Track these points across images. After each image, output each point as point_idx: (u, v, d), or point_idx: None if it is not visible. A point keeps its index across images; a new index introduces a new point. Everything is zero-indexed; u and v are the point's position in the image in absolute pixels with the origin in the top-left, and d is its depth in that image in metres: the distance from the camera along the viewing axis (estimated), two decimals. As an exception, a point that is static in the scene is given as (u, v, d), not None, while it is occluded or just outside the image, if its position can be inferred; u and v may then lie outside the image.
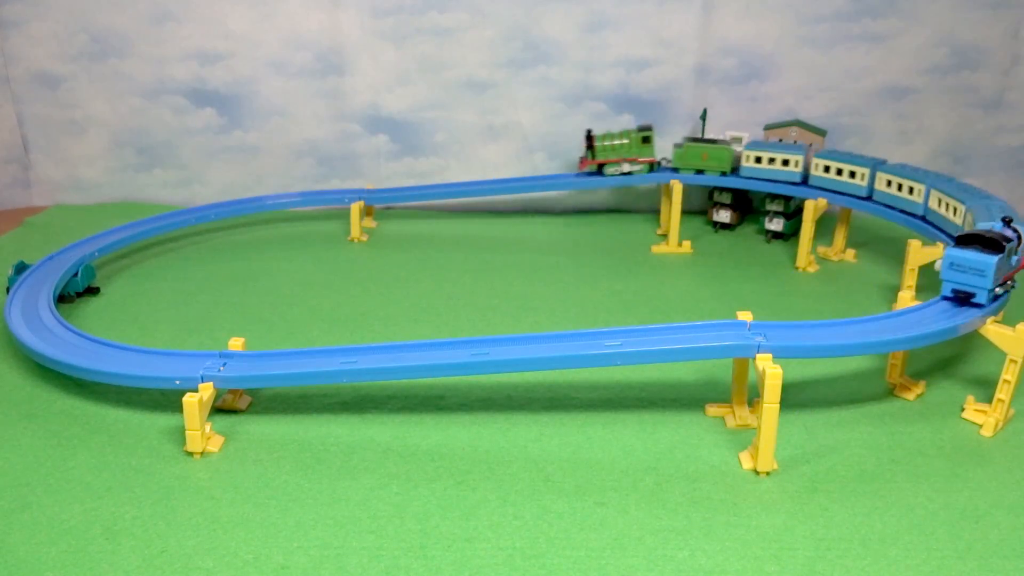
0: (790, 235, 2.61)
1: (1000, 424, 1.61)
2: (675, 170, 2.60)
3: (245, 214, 2.71)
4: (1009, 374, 1.58)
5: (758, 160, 2.50)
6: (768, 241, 2.64)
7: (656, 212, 2.79)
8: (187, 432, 1.51)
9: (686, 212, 2.61)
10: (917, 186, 2.18)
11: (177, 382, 1.55)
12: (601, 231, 2.75)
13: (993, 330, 1.59)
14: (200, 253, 2.54)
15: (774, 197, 2.57)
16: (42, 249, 2.28)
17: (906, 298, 1.74)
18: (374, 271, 2.41)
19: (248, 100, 2.79)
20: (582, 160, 2.66)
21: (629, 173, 2.60)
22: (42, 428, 1.61)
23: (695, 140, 2.58)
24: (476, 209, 2.92)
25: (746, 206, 2.79)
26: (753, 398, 1.65)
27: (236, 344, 1.67)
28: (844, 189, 2.38)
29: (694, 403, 1.70)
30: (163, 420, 1.63)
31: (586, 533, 1.33)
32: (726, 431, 1.61)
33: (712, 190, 2.71)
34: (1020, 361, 1.56)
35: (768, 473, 1.47)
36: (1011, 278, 1.65)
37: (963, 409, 1.66)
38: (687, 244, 2.57)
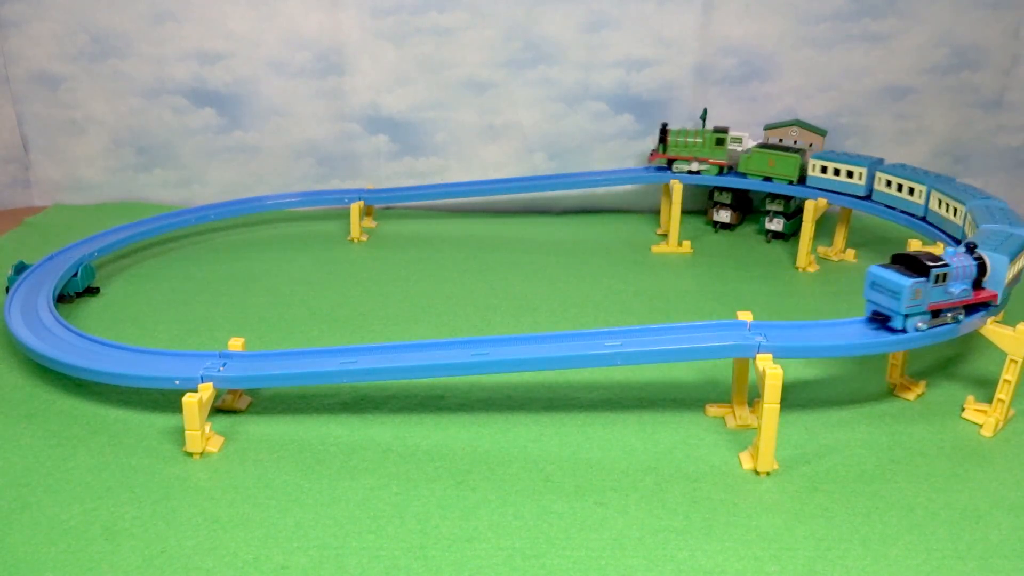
0: (790, 235, 2.61)
1: (1000, 424, 1.61)
2: (741, 175, 2.55)
3: (245, 214, 2.70)
4: (1009, 374, 1.58)
5: (823, 170, 2.41)
6: (768, 241, 2.64)
7: (656, 212, 2.79)
8: (187, 432, 1.51)
9: (686, 212, 2.61)
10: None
11: (177, 382, 1.55)
12: (601, 231, 2.75)
13: (993, 330, 1.59)
14: (200, 253, 2.54)
15: (774, 197, 2.57)
16: (42, 249, 2.28)
17: (906, 298, 1.74)
18: (374, 271, 2.41)
19: (248, 100, 2.79)
20: (652, 153, 2.65)
21: (697, 172, 2.58)
22: (42, 428, 1.61)
23: (765, 146, 2.53)
24: (476, 209, 2.91)
25: (746, 206, 2.79)
26: (753, 398, 1.65)
27: (236, 344, 1.67)
28: (843, 189, 2.38)
29: (694, 403, 1.69)
30: (163, 420, 1.63)
31: (586, 533, 1.33)
32: (726, 431, 1.61)
33: (712, 190, 2.71)
34: (1020, 361, 1.56)
35: (768, 473, 1.47)
36: (950, 309, 1.52)
37: (963, 409, 1.66)
38: (687, 244, 2.57)
